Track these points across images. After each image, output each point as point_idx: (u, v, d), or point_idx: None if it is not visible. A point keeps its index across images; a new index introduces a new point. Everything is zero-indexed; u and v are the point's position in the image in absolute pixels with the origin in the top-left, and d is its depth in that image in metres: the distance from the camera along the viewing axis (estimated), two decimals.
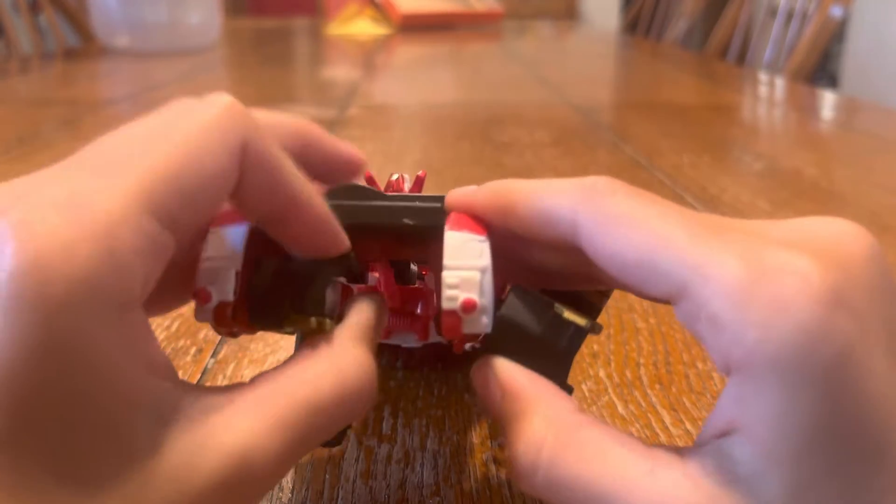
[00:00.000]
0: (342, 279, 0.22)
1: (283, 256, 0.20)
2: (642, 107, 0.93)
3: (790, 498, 0.15)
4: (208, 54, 1.43)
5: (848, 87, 2.58)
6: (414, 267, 0.25)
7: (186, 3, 1.40)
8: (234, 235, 0.19)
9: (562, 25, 2.47)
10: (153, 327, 0.17)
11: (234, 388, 0.17)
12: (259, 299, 0.19)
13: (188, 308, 0.36)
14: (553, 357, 0.19)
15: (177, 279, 0.19)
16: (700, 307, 0.15)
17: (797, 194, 0.56)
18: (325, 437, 0.18)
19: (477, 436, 0.27)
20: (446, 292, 0.19)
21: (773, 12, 1.49)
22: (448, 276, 0.19)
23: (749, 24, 1.58)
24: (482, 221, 0.20)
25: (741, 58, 1.55)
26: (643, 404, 0.29)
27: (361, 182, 0.22)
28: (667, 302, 0.17)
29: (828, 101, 1.04)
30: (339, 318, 0.20)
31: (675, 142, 0.73)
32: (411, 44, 1.69)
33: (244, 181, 0.17)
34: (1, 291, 0.13)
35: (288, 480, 0.24)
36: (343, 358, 0.18)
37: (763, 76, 1.27)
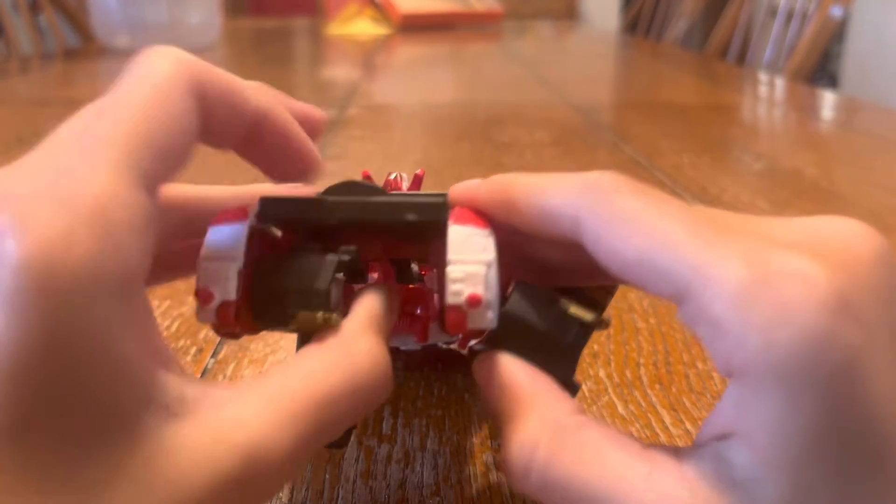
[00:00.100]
0: (343, 277, 0.21)
1: (285, 253, 0.20)
2: (642, 107, 0.93)
3: (789, 503, 0.14)
4: (208, 54, 1.43)
5: (848, 87, 2.58)
6: (414, 266, 0.24)
7: (186, 3, 1.40)
8: (234, 233, 0.19)
9: (562, 25, 2.47)
10: (166, 344, 0.17)
11: (243, 382, 0.17)
12: (262, 297, 0.19)
13: (188, 308, 0.36)
14: (559, 353, 0.19)
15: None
16: (702, 310, 0.15)
17: (797, 194, 0.56)
18: (340, 431, 0.17)
19: (477, 436, 0.27)
20: (451, 287, 0.18)
21: (773, 12, 1.49)
22: (453, 271, 0.18)
23: (749, 24, 1.58)
24: (486, 216, 0.20)
25: (741, 58, 1.55)
26: (643, 404, 0.29)
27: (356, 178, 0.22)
28: (670, 300, 0.17)
29: (828, 101, 1.04)
30: (344, 314, 0.20)
31: (675, 142, 0.73)
32: (411, 44, 1.70)
33: (209, 116, 0.18)
34: (4, 287, 0.13)
35: (288, 480, 0.24)
36: (353, 348, 0.18)
37: (763, 76, 1.27)
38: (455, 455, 0.25)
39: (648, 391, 0.29)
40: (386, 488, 0.24)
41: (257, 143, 0.20)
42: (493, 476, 0.24)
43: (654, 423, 0.27)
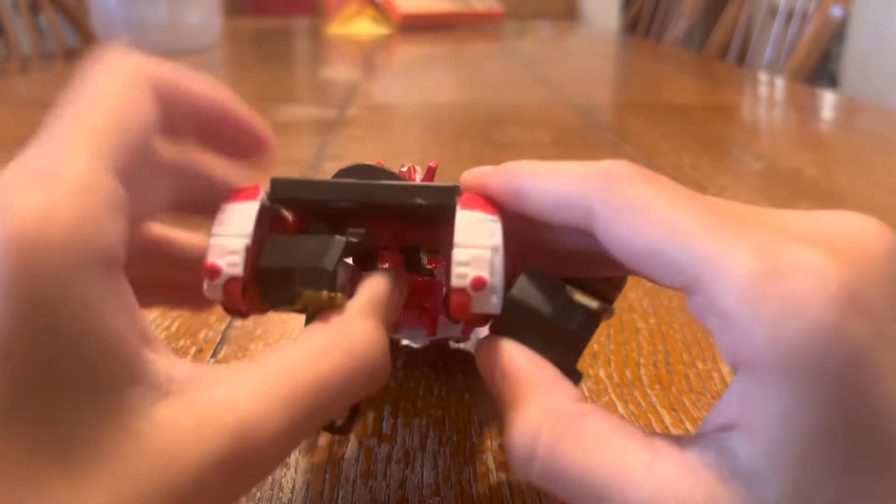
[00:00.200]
0: (350, 261, 0.21)
1: (293, 233, 0.20)
2: (642, 107, 0.93)
3: (792, 497, 0.14)
4: (208, 54, 1.43)
5: (848, 87, 2.58)
6: (423, 258, 0.24)
7: (186, 3, 1.40)
8: (244, 211, 0.19)
9: (562, 25, 2.47)
10: (153, 328, 0.17)
11: (235, 364, 0.17)
12: (269, 274, 0.19)
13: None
14: (564, 341, 0.19)
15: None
16: (711, 301, 0.15)
17: (797, 194, 0.56)
18: (334, 414, 0.17)
19: (477, 436, 0.27)
20: (456, 269, 0.18)
21: (773, 12, 1.49)
22: (459, 254, 0.18)
23: (749, 24, 1.58)
24: (495, 203, 0.20)
25: (741, 58, 1.55)
26: (643, 404, 0.29)
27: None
28: (680, 290, 0.16)
29: (828, 101, 1.04)
30: (350, 296, 0.20)
31: (675, 142, 0.73)
32: (411, 44, 1.70)
33: (167, 110, 0.18)
34: None
35: (288, 480, 0.24)
36: (351, 330, 0.18)
37: (763, 76, 1.27)
38: (455, 455, 0.25)
39: (648, 391, 0.29)
40: (386, 488, 0.24)
41: (212, 130, 0.21)
42: (493, 476, 0.24)
43: (654, 423, 0.27)
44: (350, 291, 0.20)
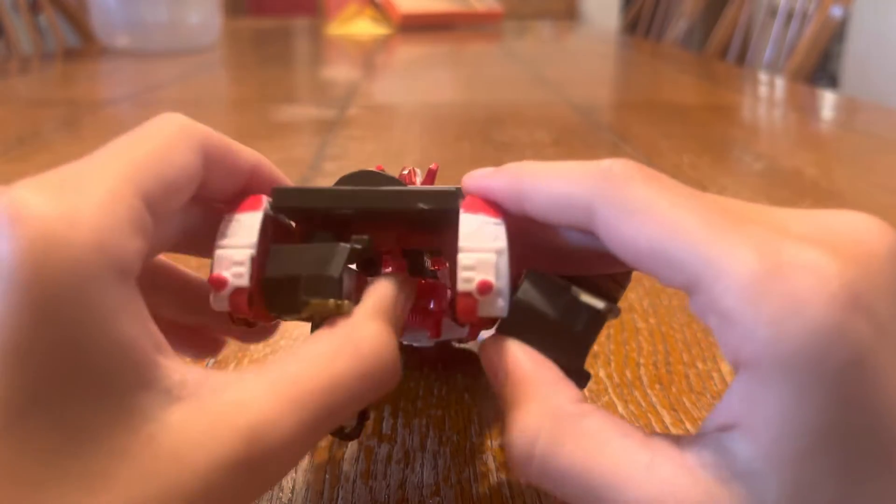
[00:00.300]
0: (354, 267, 0.21)
1: (297, 241, 0.20)
2: (642, 107, 0.93)
3: (791, 497, 0.14)
4: (208, 54, 1.43)
5: (848, 87, 2.58)
6: (427, 261, 0.24)
7: (186, 3, 1.40)
8: (248, 222, 0.19)
9: (562, 25, 2.47)
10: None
11: (246, 368, 0.17)
12: (275, 284, 0.19)
13: None
14: (569, 341, 0.19)
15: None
16: (713, 301, 0.15)
17: (797, 194, 0.56)
18: (345, 417, 0.17)
19: (477, 436, 0.27)
20: (462, 274, 0.18)
21: (773, 12, 1.49)
22: (464, 258, 0.18)
23: (749, 24, 1.58)
24: (498, 205, 0.20)
25: (741, 58, 1.55)
26: (643, 404, 0.29)
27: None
28: (682, 290, 0.16)
29: (828, 101, 1.04)
30: (356, 304, 0.20)
31: (675, 142, 0.73)
32: (411, 44, 1.70)
33: (210, 172, 0.19)
34: (6, 266, 0.14)
35: (288, 480, 0.24)
36: (359, 334, 0.18)
37: (763, 76, 1.27)
38: (455, 455, 0.25)
39: (648, 391, 0.29)
40: (386, 488, 0.24)
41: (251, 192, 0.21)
42: (494, 476, 0.24)
43: (654, 423, 0.27)
44: (356, 298, 0.20)
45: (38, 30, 1.69)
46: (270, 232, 0.20)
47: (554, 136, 0.74)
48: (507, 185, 0.19)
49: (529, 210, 0.19)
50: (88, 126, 0.77)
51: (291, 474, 0.24)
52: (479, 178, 0.20)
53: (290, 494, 0.24)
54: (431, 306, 0.25)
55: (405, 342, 0.27)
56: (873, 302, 0.14)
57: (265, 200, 0.20)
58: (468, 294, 0.18)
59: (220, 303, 0.19)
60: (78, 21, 1.71)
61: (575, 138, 0.74)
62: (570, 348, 0.19)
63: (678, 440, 0.16)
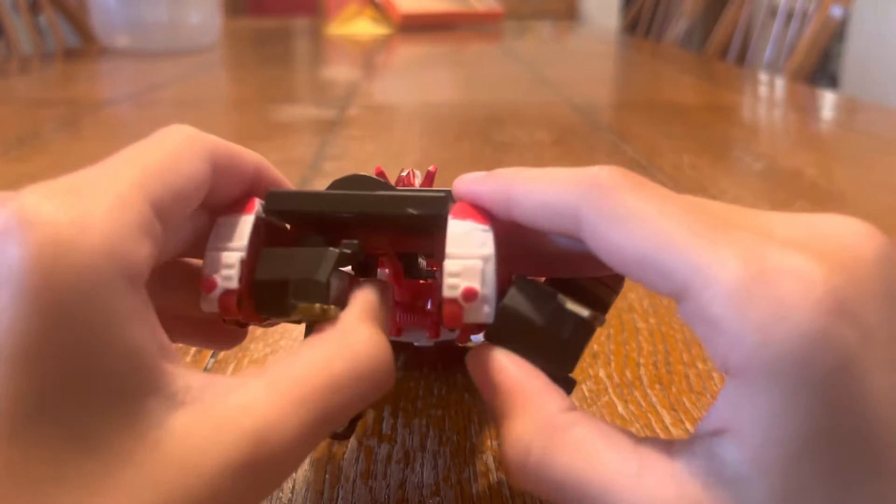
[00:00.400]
0: (350, 270, 0.22)
1: (288, 245, 0.20)
2: (642, 107, 0.93)
3: (778, 502, 0.14)
4: (208, 54, 1.43)
5: (848, 87, 2.58)
6: (423, 261, 0.25)
7: (186, 3, 1.40)
8: (240, 225, 0.20)
9: (562, 25, 2.47)
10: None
11: (247, 372, 0.17)
12: (263, 287, 0.19)
13: None
14: (556, 348, 0.19)
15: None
16: (700, 308, 0.15)
17: (797, 194, 0.56)
18: (345, 419, 0.18)
19: (477, 436, 0.27)
20: (448, 280, 0.19)
21: (773, 12, 1.49)
22: (450, 265, 0.19)
23: (749, 24, 1.58)
24: (487, 211, 0.20)
25: (741, 58, 1.55)
26: (643, 404, 0.29)
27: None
28: (670, 297, 0.17)
29: (828, 101, 1.04)
30: (344, 306, 0.20)
31: (675, 142, 0.73)
32: (411, 44, 1.70)
33: (217, 179, 0.19)
34: (16, 271, 0.14)
35: (288, 480, 0.24)
36: (353, 338, 0.18)
37: (763, 76, 1.27)
38: (455, 455, 0.25)
39: (648, 391, 0.29)
40: (386, 488, 0.24)
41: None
42: (493, 476, 0.24)
43: (654, 423, 0.27)
44: (346, 300, 0.20)
45: (38, 30, 1.69)
46: (263, 234, 0.20)
47: (554, 136, 0.74)
48: (496, 192, 0.20)
49: (518, 216, 0.19)
50: (88, 126, 0.77)
51: (291, 474, 0.24)
52: (469, 183, 0.20)
53: (290, 494, 0.24)
54: (429, 306, 0.25)
55: (406, 340, 0.27)
56: (859, 307, 0.14)
57: (258, 204, 0.20)
58: (454, 300, 0.18)
59: (209, 304, 0.19)
60: (78, 21, 1.71)
61: (575, 138, 0.74)
62: (556, 355, 0.19)
63: (669, 446, 0.16)
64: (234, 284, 0.19)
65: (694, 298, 0.15)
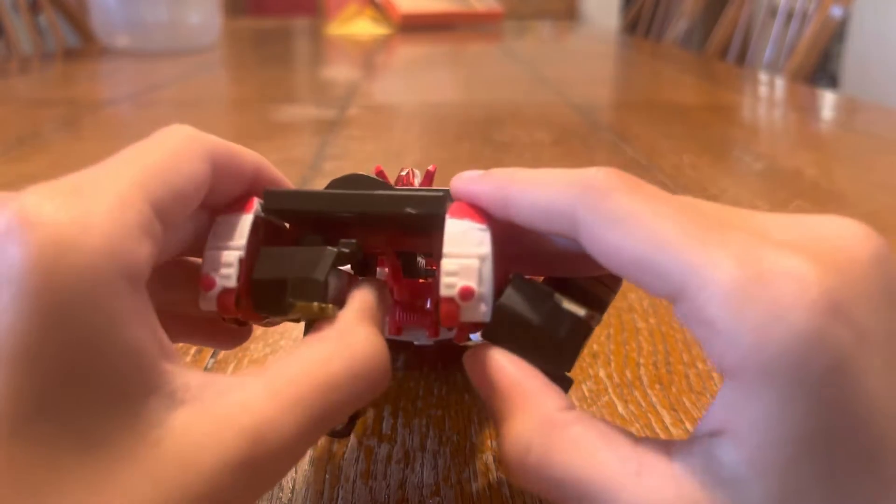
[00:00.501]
0: (349, 269, 0.22)
1: (286, 244, 0.20)
2: (642, 107, 0.93)
3: (776, 503, 0.14)
4: (208, 54, 1.43)
5: (848, 87, 2.58)
6: (421, 260, 0.25)
7: (186, 3, 1.40)
8: (238, 224, 0.20)
9: (562, 25, 2.47)
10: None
11: (246, 370, 0.17)
12: (262, 286, 0.19)
13: None
14: (553, 347, 0.19)
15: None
16: (697, 309, 0.15)
17: (797, 194, 0.56)
18: (341, 418, 0.18)
19: (477, 436, 0.27)
20: (445, 279, 0.19)
21: (773, 12, 1.49)
22: (447, 264, 0.19)
23: (749, 24, 1.58)
24: (484, 211, 0.20)
25: (741, 58, 1.55)
26: (643, 404, 0.29)
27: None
28: (667, 299, 0.17)
29: (828, 101, 1.04)
30: (342, 305, 0.20)
31: (676, 142, 0.73)
32: (411, 44, 1.70)
33: (217, 179, 0.19)
34: (17, 271, 0.14)
35: (288, 480, 0.24)
36: (351, 337, 0.18)
37: (763, 76, 1.27)
38: (455, 455, 0.25)
39: (648, 391, 0.29)
40: (386, 488, 0.24)
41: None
42: (493, 476, 0.24)
43: (654, 423, 0.27)
44: (344, 299, 0.20)
45: (38, 30, 1.69)
46: (262, 233, 0.20)
47: (554, 136, 0.74)
48: (493, 192, 0.20)
49: (514, 217, 0.19)
50: (88, 126, 0.77)
51: (291, 474, 0.24)
52: (466, 183, 0.20)
53: (290, 494, 0.24)
54: (428, 305, 0.25)
55: (405, 340, 0.27)
56: (854, 308, 0.15)
57: (256, 203, 0.20)
58: (450, 299, 0.19)
59: (207, 303, 0.19)
60: (78, 21, 1.71)
61: (575, 138, 0.74)
62: (552, 354, 0.19)
63: (668, 446, 0.16)
64: (232, 283, 0.19)
65: (690, 300, 0.15)
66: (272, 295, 0.19)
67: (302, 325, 0.21)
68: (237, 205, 0.20)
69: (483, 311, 0.19)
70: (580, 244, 0.18)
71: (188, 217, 0.19)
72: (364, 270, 0.23)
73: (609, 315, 0.36)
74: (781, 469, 0.14)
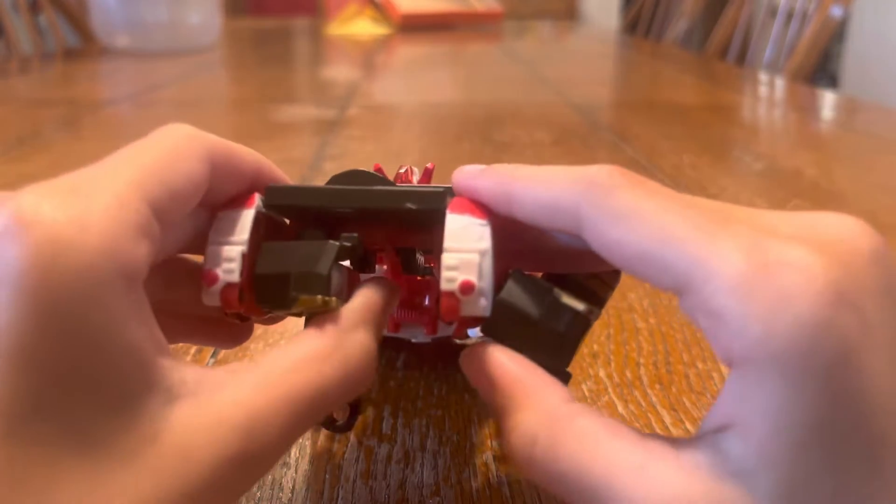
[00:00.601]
0: (348, 264, 0.22)
1: (289, 238, 0.20)
2: (642, 107, 0.93)
3: (784, 495, 0.14)
4: (208, 54, 1.43)
5: (848, 87, 2.58)
6: (420, 258, 0.25)
7: (186, 3, 1.40)
8: (240, 219, 0.20)
9: (562, 25, 2.47)
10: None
11: (240, 365, 0.17)
12: (265, 281, 0.19)
13: None
14: (553, 341, 0.19)
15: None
16: (703, 301, 0.15)
17: (797, 194, 0.56)
18: (322, 417, 0.18)
19: (477, 436, 0.27)
20: (445, 273, 0.19)
21: (773, 12, 1.49)
22: (447, 258, 0.19)
23: (749, 24, 1.58)
24: (485, 206, 0.20)
25: (741, 58, 1.55)
26: (643, 404, 0.29)
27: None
28: (672, 292, 0.17)
29: (828, 101, 1.04)
30: (346, 301, 0.20)
31: (675, 142, 0.73)
32: (411, 44, 1.70)
33: (216, 180, 0.19)
34: (15, 270, 0.14)
35: (288, 480, 0.24)
36: (349, 341, 0.19)
37: (763, 76, 1.27)
38: (455, 455, 0.25)
39: (648, 391, 0.29)
40: (386, 488, 0.24)
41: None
42: (493, 476, 0.24)
43: (654, 423, 0.27)
44: (347, 294, 0.20)
45: (38, 30, 1.69)
46: (263, 229, 0.20)
47: (554, 136, 0.74)
48: (496, 188, 0.20)
49: (517, 213, 0.19)
50: (88, 126, 0.77)
51: (291, 474, 0.24)
52: (468, 178, 0.20)
53: (290, 494, 0.24)
54: (426, 303, 0.25)
55: (403, 337, 0.27)
56: (858, 299, 0.15)
57: (258, 198, 0.20)
58: (451, 293, 0.19)
59: (210, 298, 0.19)
60: (78, 21, 1.71)
61: (575, 138, 0.74)
62: (552, 349, 0.19)
63: (674, 442, 0.16)
64: (235, 278, 0.19)
65: (696, 291, 0.15)
66: (275, 289, 0.19)
67: (301, 322, 0.21)
68: (238, 200, 0.20)
69: (483, 305, 0.19)
70: (584, 241, 0.18)
71: (187, 216, 0.19)
72: (363, 267, 0.23)
73: (609, 315, 0.36)
74: (790, 459, 0.14)
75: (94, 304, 0.14)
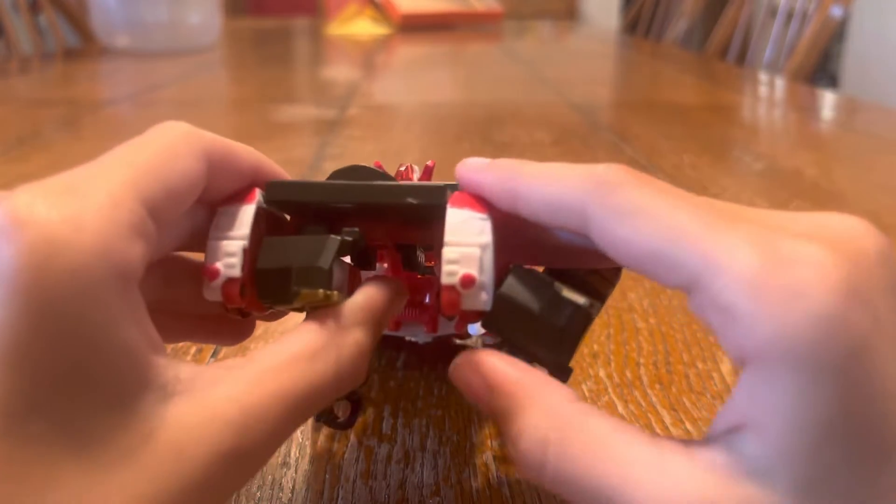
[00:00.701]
0: (349, 260, 0.22)
1: (289, 233, 0.20)
2: (642, 107, 0.93)
3: (801, 493, 0.14)
4: (208, 54, 1.43)
5: (848, 87, 2.58)
6: (421, 256, 0.25)
7: (186, 3, 1.40)
8: (241, 214, 0.20)
9: (562, 25, 2.47)
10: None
11: (234, 362, 0.17)
12: (266, 275, 0.19)
13: None
14: (553, 336, 0.19)
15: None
16: (713, 298, 0.15)
17: (797, 194, 0.56)
18: (315, 413, 0.18)
19: (477, 436, 0.27)
20: (446, 267, 0.19)
21: (773, 12, 1.49)
22: (448, 252, 0.19)
23: (749, 24, 1.58)
24: (486, 201, 0.20)
25: (741, 58, 1.55)
26: (643, 404, 0.29)
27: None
28: (681, 290, 0.16)
29: (828, 101, 1.04)
30: (347, 297, 0.20)
31: (676, 142, 0.73)
32: (411, 44, 1.70)
33: (213, 177, 0.19)
34: (9, 270, 0.14)
35: (288, 480, 0.24)
36: (344, 340, 0.19)
37: (763, 76, 1.27)
38: (455, 455, 0.25)
39: (648, 391, 0.29)
40: (386, 488, 0.24)
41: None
42: (493, 476, 0.24)
43: (654, 424, 0.27)
44: (348, 290, 0.20)
45: (38, 30, 1.69)
46: (264, 224, 0.20)
47: (554, 136, 0.74)
48: (500, 184, 0.20)
49: (522, 210, 0.19)
50: (88, 126, 0.77)
51: (291, 474, 0.24)
52: (473, 172, 0.20)
53: (290, 494, 0.24)
54: (427, 301, 0.25)
55: (403, 336, 0.27)
56: (868, 294, 0.15)
57: (259, 194, 0.20)
58: (451, 287, 0.19)
59: (212, 293, 0.19)
60: (78, 21, 1.71)
61: (575, 138, 0.74)
62: (553, 343, 0.19)
63: (686, 443, 0.16)
64: (236, 272, 0.19)
65: (705, 288, 0.15)
66: (277, 284, 0.19)
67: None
68: (239, 196, 0.20)
69: (484, 299, 0.19)
70: (586, 238, 0.18)
71: (185, 213, 0.19)
72: (364, 264, 0.23)
73: (609, 315, 0.36)
74: (807, 455, 0.14)
75: (89, 304, 0.14)
